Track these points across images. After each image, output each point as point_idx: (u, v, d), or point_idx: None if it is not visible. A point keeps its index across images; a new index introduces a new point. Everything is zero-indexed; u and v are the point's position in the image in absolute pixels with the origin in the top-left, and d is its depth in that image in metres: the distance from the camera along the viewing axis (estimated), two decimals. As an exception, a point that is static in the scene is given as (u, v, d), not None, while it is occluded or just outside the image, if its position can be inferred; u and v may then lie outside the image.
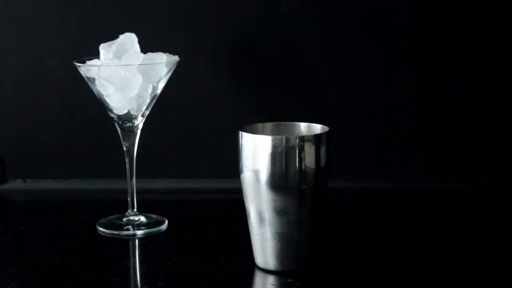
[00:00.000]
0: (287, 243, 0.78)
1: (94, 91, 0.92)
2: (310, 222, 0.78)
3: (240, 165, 0.79)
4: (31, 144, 1.14)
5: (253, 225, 0.79)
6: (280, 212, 0.77)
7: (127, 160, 0.95)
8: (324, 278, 0.79)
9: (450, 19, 1.10)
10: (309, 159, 0.76)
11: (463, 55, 1.11)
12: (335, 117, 1.12)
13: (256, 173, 0.76)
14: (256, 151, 0.76)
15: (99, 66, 0.90)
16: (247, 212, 0.80)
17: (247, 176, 0.78)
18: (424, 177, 1.14)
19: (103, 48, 0.92)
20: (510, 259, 0.85)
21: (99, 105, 0.94)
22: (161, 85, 0.93)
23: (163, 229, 0.95)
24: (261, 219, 0.78)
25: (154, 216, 0.98)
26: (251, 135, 0.77)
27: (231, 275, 0.80)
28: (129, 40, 0.92)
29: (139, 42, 0.93)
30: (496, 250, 0.87)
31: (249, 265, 0.81)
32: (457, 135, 1.13)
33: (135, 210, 0.96)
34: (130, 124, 0.94)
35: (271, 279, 0.79)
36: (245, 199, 0.79)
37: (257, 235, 0.79)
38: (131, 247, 0.91)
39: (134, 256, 0.89)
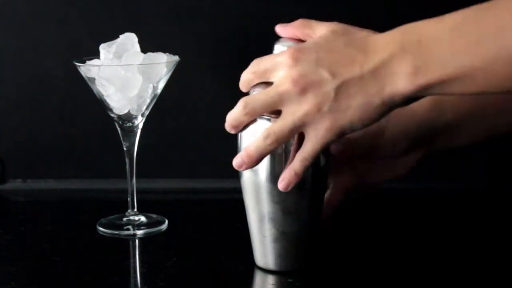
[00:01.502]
0: (287, 243, 0.78)
1: (94, 91, 0.92)
2: (311, 222, 0.78)
3: None
4: (31, 144, 1.14)
5: (253, 225, 0.79)
6: (280, 212, 0.76)
7: (127, 160, 0.95)
8: (324, 278, 0.79)
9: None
10: None
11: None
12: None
13: (255, 173, 0.76)
14: None
15: (99, 66, 0.90)
16: (246, 212, 0.80)
17: (247, 176, 0.77)
18: (425, 177, 1.14)
19: (103, 48, 0.92)
20: (510, 260, 0.85)
21: (99, 105, 0.94)
22: (161, 85, 0.93)
23: (163, 229, 0.95)
24: (261, 219, 0.78)
25: (154, 216, 0.98)
26: (250, 135, 0.77)
27: (231, 275, 0.80)
28: (129, 40, 0.92)
29: (139, 42, 0.93)
30: (496, 250, 0.87)
31: (249, 265, 0.81)
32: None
33: (135, 210, 0.96)
34: (130, 124, 0.94)
35: (271, 279, 0.78)
36: (244, 199, 0.79)
37: (257, 235, 0.79)
38: (131, 247, 0.91)
39: (134, 256, 0.89)
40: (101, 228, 0.94)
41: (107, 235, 0.93)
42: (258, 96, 0.72)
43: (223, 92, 1.12)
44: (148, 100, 0.92)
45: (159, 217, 0.97)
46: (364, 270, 0.81)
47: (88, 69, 0.91)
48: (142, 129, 0.95)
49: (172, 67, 0.92)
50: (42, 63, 1.12)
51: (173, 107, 1.11)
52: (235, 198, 0.86)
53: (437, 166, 1.14)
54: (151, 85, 0.91)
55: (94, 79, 0.90)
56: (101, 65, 0.91)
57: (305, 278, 0.78)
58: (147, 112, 0.94)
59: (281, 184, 0.73)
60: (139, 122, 0.94)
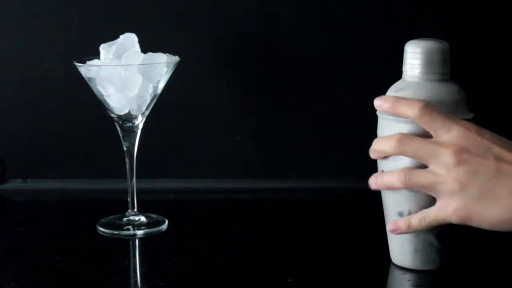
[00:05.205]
0: (425, 243, 0.77)
1: (94, 91, 0.92)
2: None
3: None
4: (31, 144, 1.14)
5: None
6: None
7: (127, 160, 0.95)
8: (325, 279, 0.79)
9: (449, 20, 1.10)
10: None
11: (465, 55, 1.11)
12: (337, 118, 1.12)
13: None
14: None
15: (99, 66, 0.90)
16: (384, 206, 0.80)
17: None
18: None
19: (103, 48, 0.92)
20: (509, 260, 0.85)
21: (99, 105, 0.94)
22: (161, 85, 0.93)
23: (163, 229, 0.95)
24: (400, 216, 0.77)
25: (154, 216, 0.98)
26: (391, 119, 0.75)
27: (232, 275, 0.80)
28: (129, 40, 0.92)
29: (139, 42, 0.93)
30: (495, 250, 0.87)
31: (249, 265, 0.81)
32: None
33: (135, 210, 0.96)
34: (130, 124, 0.94)
35: (270, 279, 0.78)
36: (383, 198, 0.80)
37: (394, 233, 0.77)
38: (131, 247, 0.91)
39: (134, 256, 0.89)
40: (101, 228, 0.94)
41: (107, 235, 0.93)
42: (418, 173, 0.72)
43: (223, 92, 1.12)
44: (148, 100, 0.92)
45: (159, 217, 0.97)
46: (364, 270, 0.81)
47: (88, 69, 0.91)
48: (142, 129, 0.95)
49: (172, 67, 0.92)
50: (42, 63, 1.12)
51: (173, 107, 1.11)
52: (235, 198, 0.86)
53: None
54: (151, 85, 0.91)
55: (94, 79, 0.90)
56: (101, 65, 0.91)
57: (306, 278, 0.78)
58: (147, 112, 0.94)
59: (390, 227, 0.75)
60: (139, 122, 0.94)
